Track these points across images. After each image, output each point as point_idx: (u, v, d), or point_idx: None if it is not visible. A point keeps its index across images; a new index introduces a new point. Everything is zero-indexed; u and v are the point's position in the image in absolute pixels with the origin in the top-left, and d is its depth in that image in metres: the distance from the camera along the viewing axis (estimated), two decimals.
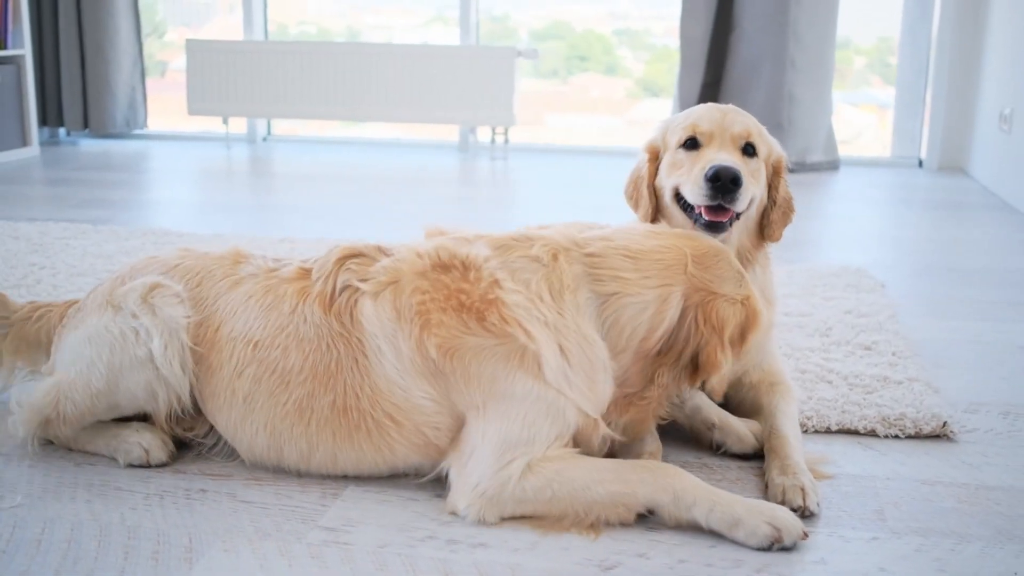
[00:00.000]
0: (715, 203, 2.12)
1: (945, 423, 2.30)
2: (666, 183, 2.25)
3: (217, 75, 7.04)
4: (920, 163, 6.64)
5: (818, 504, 1.92)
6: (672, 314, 1.89)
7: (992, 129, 5.76)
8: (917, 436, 2.29)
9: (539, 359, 1.83)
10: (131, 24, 7.30)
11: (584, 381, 1.89)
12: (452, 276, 1.89)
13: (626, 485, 1.80)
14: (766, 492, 1.99)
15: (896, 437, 2.29)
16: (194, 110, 7.14)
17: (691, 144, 2.23)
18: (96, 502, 1.94)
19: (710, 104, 2.29)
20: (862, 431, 2.31)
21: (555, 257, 1.91)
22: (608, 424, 1.96)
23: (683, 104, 6.33)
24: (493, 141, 7.04)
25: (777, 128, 6.18)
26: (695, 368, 1.92)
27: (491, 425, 1.84)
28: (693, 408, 2.19)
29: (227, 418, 2.03)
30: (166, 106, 7.90)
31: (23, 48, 6.46)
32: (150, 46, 8.40)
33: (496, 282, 1.86)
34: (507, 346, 1.84)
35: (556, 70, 8.33)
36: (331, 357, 1.93)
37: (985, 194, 5.61)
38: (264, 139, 7.58)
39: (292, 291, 2.00)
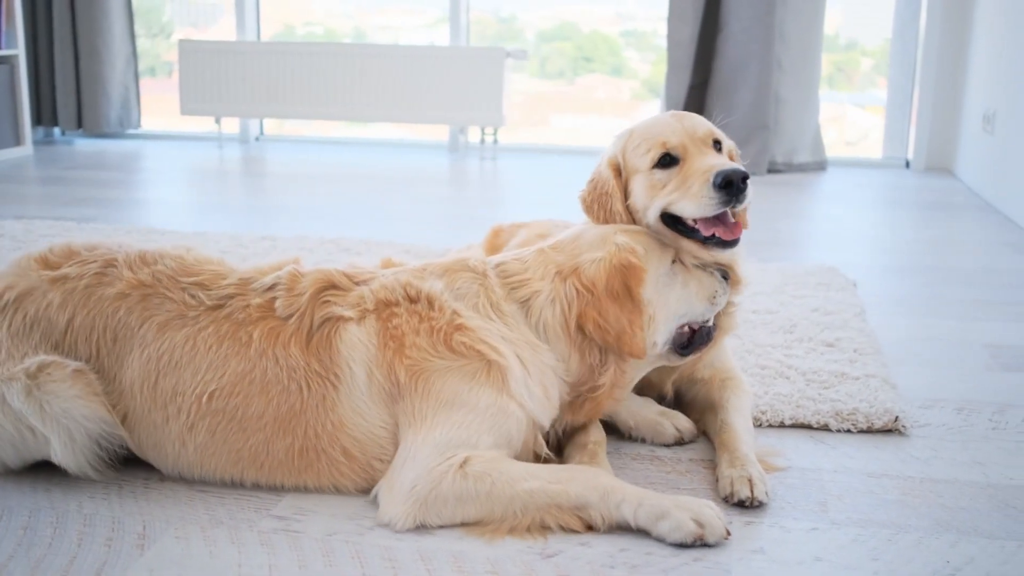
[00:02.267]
0: (726, 208, 2.03)
1: (897, 418, 2.34)
2: (649, 206, 2.13)
3: (209, 75, 7.10)
4: (907, 164, 6.68)
5: (767, 494, 1.96)
6: (562, 291, 1.98)
7: (976, 130, 5.80)
8: (869, 431, 2.33)
9: (504, 372, 1.90)
10: (124, 24, 7.36)
11: (540, 390, 1.96)
12: (421, 306, 1.95)
13: (558, 483, 1.82)
14: (717, 485, 2.03)
15: (848, 432, 2.33)
16: (187, 110, 7.20)
17: (667, 161, 2.12)
18: (55, 491, 1.98)
19: (658, 117, 2.21)
20: (815, 425, 2.34)
21: (484, 273, 2.03)
22: (562, 422, 2.06)
23: (670, 106, 6.37)
24: (482, 141, 7.09)
25: (764, 129, 6.23)
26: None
27: (434, 431, 1.85)
28: (608, 413, 2.21)
29: (174, 464, 1.98)
30: (169, 106, 7.95)
31: (16, 48, 6.52)
32: (157, 46, 8.47)
33: (456, 312, 1.95)
34: (473, 364, 1.90)
35: (562, 71, 8.38)
36: (298, 398, 1.89)
37: (969, 195, 5.64)
38: (256, 139, 7.64)
39: (258, 334, 1.92)
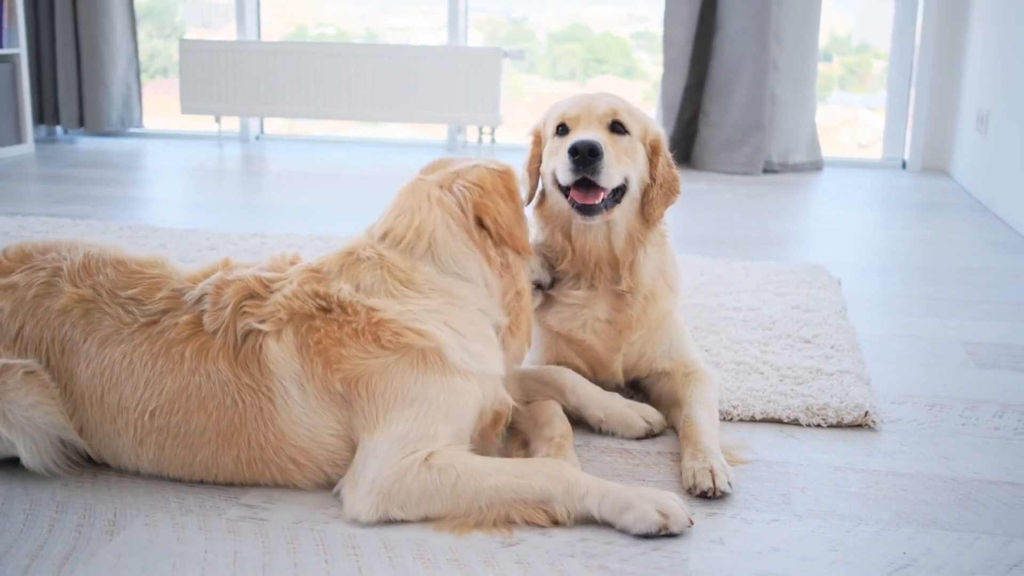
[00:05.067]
0: (580, 177, 2.19)
1: (867, 413, 2.36)
2: (546, 168, 2.34)
3: (209, 75, 7.14)
4: (904, 165, 6.69)
5: (729, 484, 1.99)
6: (448, 200, 2.03)
7: (971, 131, 5.81)
8: (839, 425, 2.35)
9: (440, 352, 1.91)
10: (126, 23, 7.41)
11: (480, 344, 1.97)
12: (336, 314, 1.93)
13: (523, 477, 1.83)
14: (680, 478, 2.05)
15: (818, 426, 2.35)
16: (187, 109, 7.24)
17: (562, 131, 2.31)
18: (30, 479, 2.01)
19: (576, 94, 2.39)
20: (786, 420, 2.36)
21: (379, 255, 2.00)
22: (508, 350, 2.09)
23: (666, 106, 6.40)
24: (480, 141, 7.12)
25: (759, 129, 6.24)
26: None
27: (391, 427, 1.87)
28: (578, 407, 2.26)
29: (135, 469, 2.02)
30: (176, 106, 7.99)
31: (18, 47, 6.57)
32: (169, 47, 8.51)
33: (371, 308, 1.93)
34: (409, 355, 1.90)
35: (574, 72, 8.40)
36: (235, 412, 1.91)
37: (962, 195, 5.65)
38: (257, 138, 7.68)
39: (190, 352, 1.93)
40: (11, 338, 2.02)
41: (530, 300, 2.12)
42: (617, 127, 2.30)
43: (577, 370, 2.35)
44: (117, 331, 1.98)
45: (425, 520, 1.85)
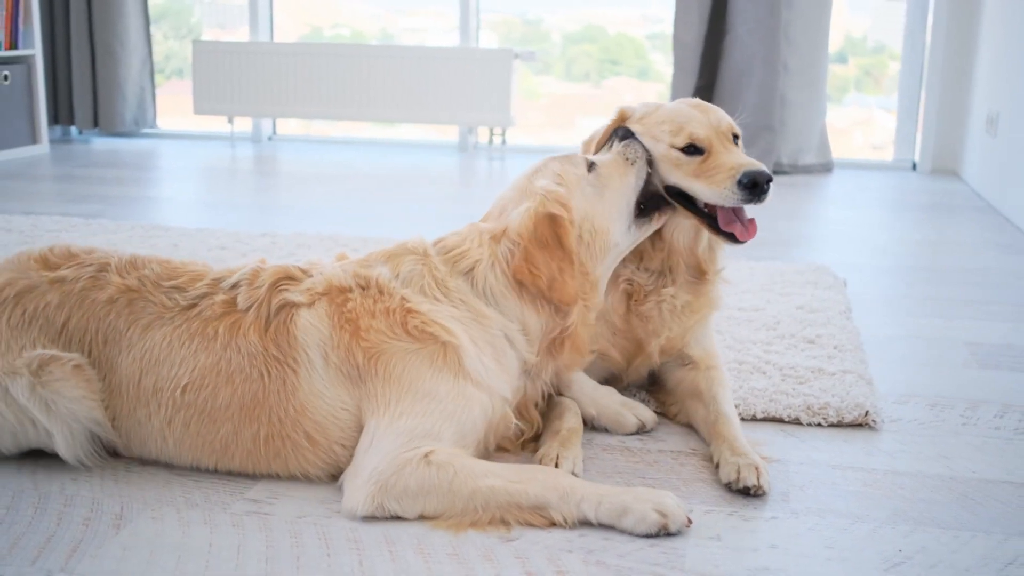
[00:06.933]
0: (748, 203, 2.20)
1: (867, 412, 2.37)
2: (669, 181, 2.27)
3: (222, 76, 7.20)
4: (914, 166, 6.68)
5: (768, 483, 2.01)
6: (499, 252, 2.06)
7: (981, 133, 5.80)
8: (839, 425, 2.37)
9: (459, 352, 1.96)
10: (141, 24, 7.47)
11: (495, 364, 2.02)
12: (372, 292, 2.02)
13: (519, 483, 1.85)
14: (718, 471, 2.07)
15: (819, 425, 2.37)
16: (200, 109, 7.30)
17: (692, 150, 2.25)
18: (40, 473, 2.05)
19: (682, 105, 2.33)
20: (787, 419, 2.38)
21: (425, 253, 2.09)
22: (548, 372, 2.15)
23: None
24: (491, 142, 7.15)
25: (769, 130, 6.25)
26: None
27: (398, 420, 1.90)
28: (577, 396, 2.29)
29: (158, 460, 2.07)
30: (191, 107, 8.04)
31: (33, 48, 6.64)
32: (184, 48, 8.58)
33: (404, 297, 2.01)
34: (430, 347, 1.96)
35: (588, 73, 8.42)
36: (260, 385, 1.96)
37: (971, 196, 5.64)
38: (269, 138, 7.73)
39: (223, 328, 2.01)
40: (56, 330, 2.07)
41: (580, 328, 2.10)
42: (736, 139, 2.32)
43: (607, 357, 2.38)
44: (159, 316, 2.05)
45: (422, 517, 1.86)
